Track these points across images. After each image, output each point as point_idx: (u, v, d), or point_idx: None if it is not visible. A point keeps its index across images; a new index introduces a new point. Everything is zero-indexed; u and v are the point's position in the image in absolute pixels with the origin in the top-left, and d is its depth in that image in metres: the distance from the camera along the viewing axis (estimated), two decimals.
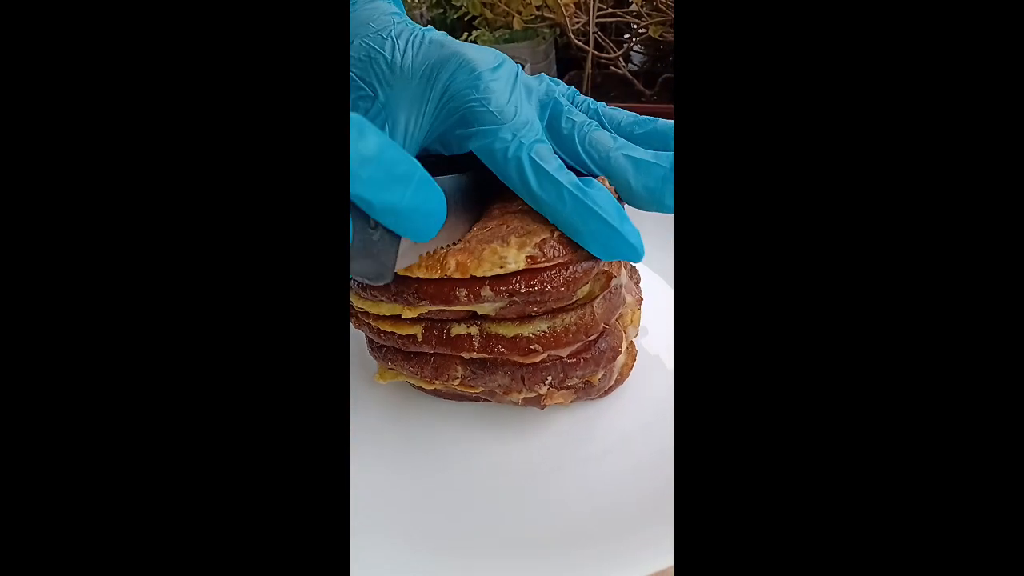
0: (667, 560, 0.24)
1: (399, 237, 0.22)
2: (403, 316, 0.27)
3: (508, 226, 0.27)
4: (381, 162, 0.19)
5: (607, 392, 0.31)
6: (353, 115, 0.18)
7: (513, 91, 0.28)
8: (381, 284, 0.24)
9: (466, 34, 0.65)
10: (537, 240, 0.25)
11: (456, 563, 0.26)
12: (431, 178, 0.22)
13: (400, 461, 0.30)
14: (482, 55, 0.29)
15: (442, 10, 0.67)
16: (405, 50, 0.28)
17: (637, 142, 0.29)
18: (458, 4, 0.62)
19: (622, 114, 0.31)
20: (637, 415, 0.30)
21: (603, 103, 0.31)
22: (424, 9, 0.67)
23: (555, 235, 0.26)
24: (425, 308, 0.27)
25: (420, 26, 0.30)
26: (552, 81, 0.31)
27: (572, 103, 0.31)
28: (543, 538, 0.26)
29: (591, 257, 0.26)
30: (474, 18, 0.63)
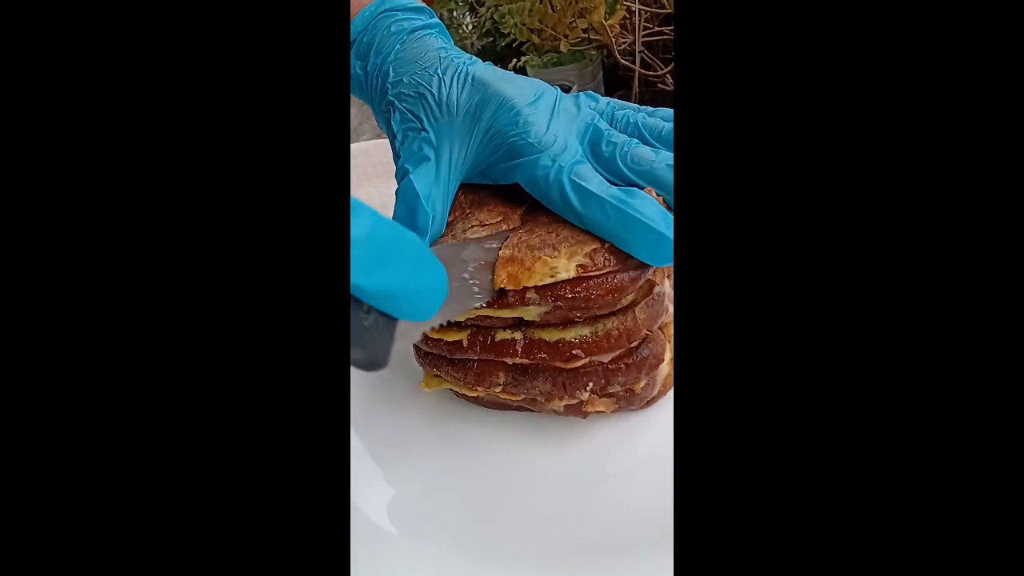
0: None
1: (395, 321, 0.20)
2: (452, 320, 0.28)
3: (558, 235, 0.27)
4: (372, 243, 0.18)
5: (651, 403, 0.31)
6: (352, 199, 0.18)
7: (552, 119, 0.29)
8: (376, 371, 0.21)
9: (515, 60, 0.66)
10: (588, 250, 0.26)
11: (493, 570, 0.26)
12: (430, 253, 0.21)
13: (442, 467, 0.30)
14: (521, 91, 0.30)
15: (492, 39, 0.69)
16: (451, 87, 0.30)
17: None
18: (506, 32, 0.64)
19: (662, 123, 0.31)
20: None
21: (644, 112, 0.32)
22: (475, 39, 0.70)
23: (606, 245, 0.26)
24: (474, 313, 0.28)
25: (467, 57, 0.32)
26: (591, 98, 0.32)
27: (612, 118, 0.32)
28: (580, 548, 0.26)
29: (640, 266, 0.27)
30: (522, 44, 0.65)
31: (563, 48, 0.63)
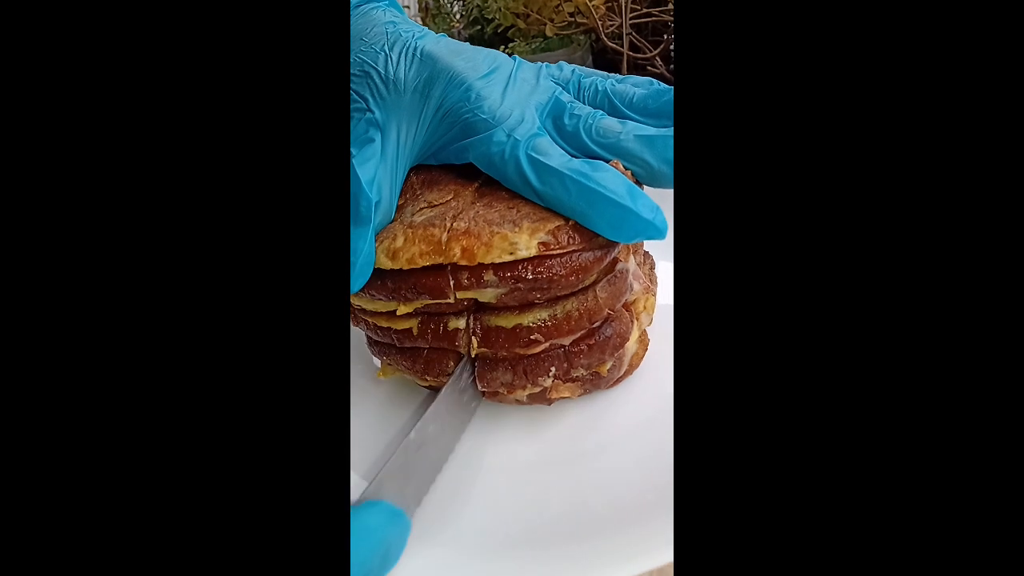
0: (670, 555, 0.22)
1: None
2: (398, 312, 0.27)
3: (519, 210, 0.26)
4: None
5: (617, 382, 0.30)
6: None
7: (507, 92, 0.28)
8: None
9: (503, 47, 0.65)
10: (551, 227, 0.25)
11: (458, 558, 0.25)
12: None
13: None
14: (473, 63, 0.28)
15: (479, 27, 0.68)
16: (398, 63, 0.28)
17: (653, 115, 0.28)
18: (490, 17, 0.63)
19: (633, 89, 0.29)
20: (648, 405, 0.29)
21: (613, 79, 0.30)
22: (461, 27, 0.69)
23: (570, 223, 0.25)
24: (423, 302, 0.27)
25: (418, 30, 0.30)
26: (555, 68, 0.31)
27: (579, 86, 0.30)
28: (547, 532, 0.25)
29: (606, 244, 0.25)
30: (508, 29, 0.64)
31: (549, 32, 0.62)
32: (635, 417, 0.29)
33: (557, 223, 0.25)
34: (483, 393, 0.29)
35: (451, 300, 0.26)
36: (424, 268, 0.26)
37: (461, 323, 0.27)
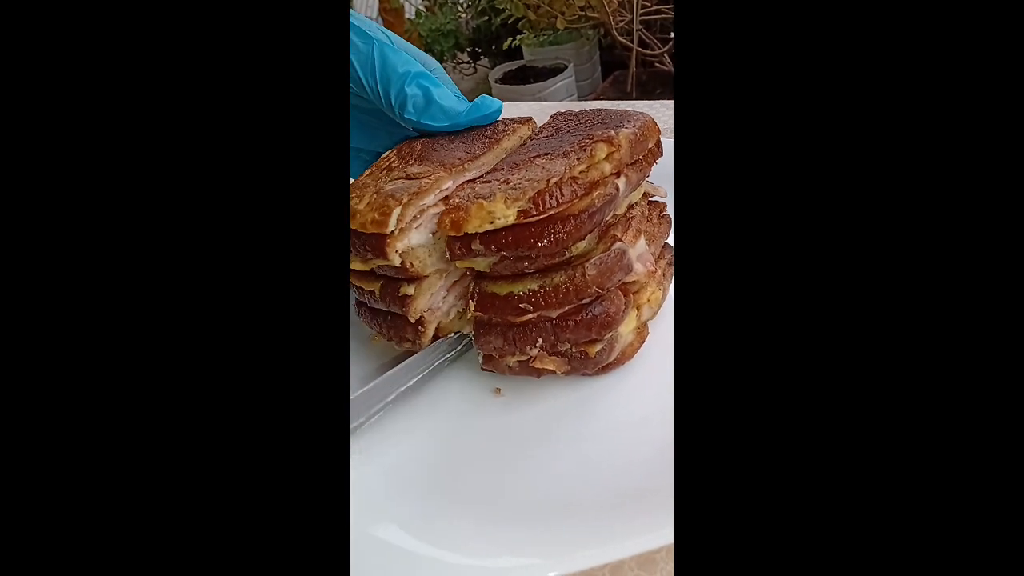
0: (666, 538, 0.21)
1: None
2: (353, 268, 0.29)
3: (508, 183, 0.27)
4: None
5: (606, 369, 0.29)
6: None
7: None
8: None
9: (511, 39, 0.65)
10: (532, 194, 0.25)
11: (451, 524, 0.24)
12: None
13: (390, 423, 0.29)
14: None
15: (487, 18, 0.68)
16: None
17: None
18: (501, 7, 0.62)
19: None
20: (645, 400, 0.28)
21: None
22: (468, 17, 0.69)
23: (551, 183, 0.25)
24: (378, 262, 0.27)
25: None
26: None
27: None
28: (538, 506, 0.24)
29: (589, 207, 0.26)
30: (518, 21, 0.64)
31: (560, 25, 0.61)
32: (631, 408, 0.28)
33: (539, 188, 0.25)
34: (479, 357, 0.29)
35: (396, 264, 0.27)
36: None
37: (411, 290, 0.28)
